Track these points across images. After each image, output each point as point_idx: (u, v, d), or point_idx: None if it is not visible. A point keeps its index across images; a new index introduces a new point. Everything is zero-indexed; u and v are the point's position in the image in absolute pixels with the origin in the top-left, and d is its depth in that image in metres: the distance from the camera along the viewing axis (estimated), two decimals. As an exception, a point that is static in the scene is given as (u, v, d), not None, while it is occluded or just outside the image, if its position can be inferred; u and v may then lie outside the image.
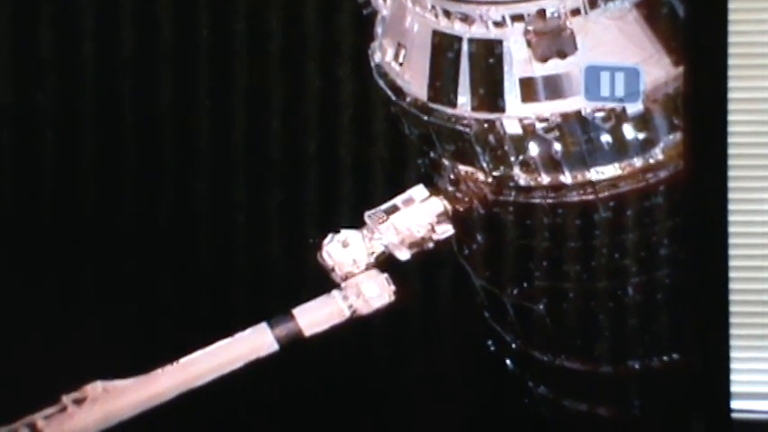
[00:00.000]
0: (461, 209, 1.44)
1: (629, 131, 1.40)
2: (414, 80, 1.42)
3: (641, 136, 1.40)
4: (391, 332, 1.44)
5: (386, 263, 1.44)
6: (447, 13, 1.39)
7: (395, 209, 1.43)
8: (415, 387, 1.45)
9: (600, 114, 1.39)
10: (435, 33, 1.40)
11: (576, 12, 1.37)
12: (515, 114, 1.40)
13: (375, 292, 1.43)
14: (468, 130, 1.41)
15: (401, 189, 1.44)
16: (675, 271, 1.42)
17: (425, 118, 1.42)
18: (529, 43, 1.38)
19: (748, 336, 1.52)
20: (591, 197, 1.41)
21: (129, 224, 1.46)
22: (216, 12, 1.45)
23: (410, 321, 1.44)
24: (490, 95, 1.40)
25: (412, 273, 1.44)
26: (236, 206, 1.45)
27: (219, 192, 1.45)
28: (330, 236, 1.44)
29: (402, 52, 1.43)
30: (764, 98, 1.52)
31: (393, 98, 1.43)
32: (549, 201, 1.42)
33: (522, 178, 1.42)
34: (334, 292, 1.44)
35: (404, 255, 1.43)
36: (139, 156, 1.46)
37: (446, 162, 1.43)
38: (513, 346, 1.45)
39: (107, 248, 1.46)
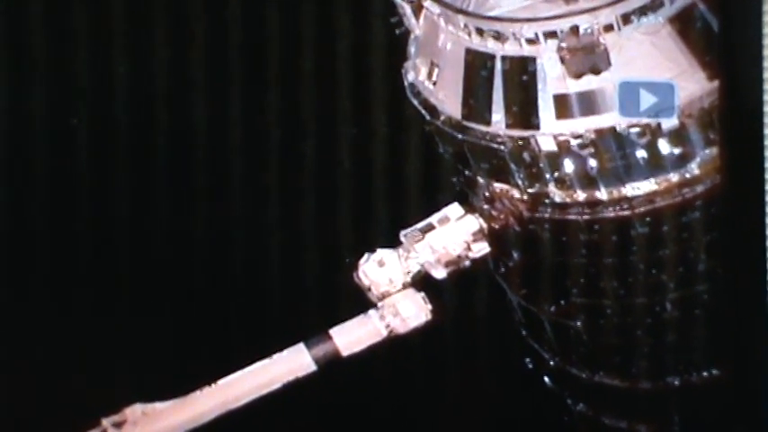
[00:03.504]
0: (497, 226, 1.44)
1: (664, 146, 1.39)
2: (447, 99, 1.42)
3: (677, 151, 1.40)
4: (429, 351, 1.44)
5: (422, 282, 1.44)
6: (480, 32, 1.39)
7: (430, 227, 1.43)
8: (452, 405, 1.45)
9: (635, 130, 1.38)
10: (468, 51, 1.40)
11: (609, 28, 1.37)
12: (550, 131, 1.40)
13: (412, 312, 1.43)
14: (502, 147, 1.41)
15: (436, 208, 1.44)
16: (714, 286, 1.42)
17: (460, 136, 1.42)
18: (562, 60, 1.38)
19: (789, 350, 1.51)
20: (627, 213, 1.41)
21: (165, 245, 1.47)
22: (247, 32, 1.46)
23: (447, 340, 1.44)
24: (524, 113, 1.40)
25: (449, 291, 1.44)
26: (271, 227, 1.45)
27: (255, 212, 1.46)
28: (366, 255, 1.44)
29: (435, 71, 1.43)
30: (800, 110, 1.52)
31: (427, 117, 1.43)
32: (585, 217, 1.42)
33: (557, 195, 1.41)
34: (371, 312, 1.44)
35: (440, 273, 1.43)
36: (173, 176, 1.47)
37: (481, 180, 1.43)
38: (551, 363, 1.45)
39: (143, 269, 1.47)
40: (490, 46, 1.39)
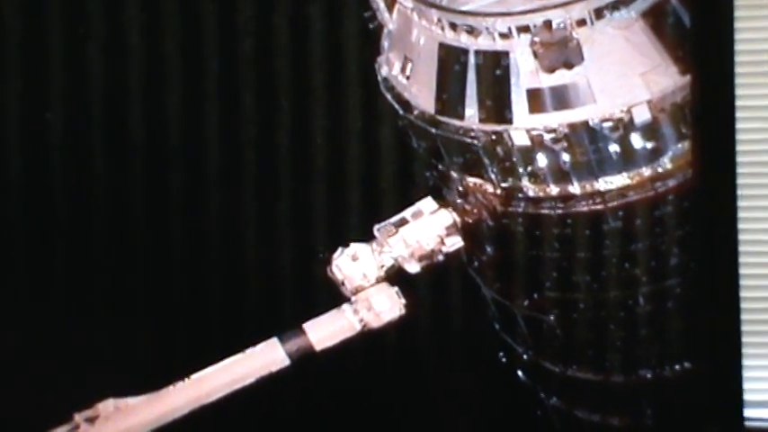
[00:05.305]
0: (470, 221, 1.44)
1: (637, 141, 1.40)
2: (421, 93, 1.42)
3: (649, 145, 1.40)
4: (402, 345, 1.44)
5: (396, 276, 1.44)
6: (453, 26, 1.39)
7: (404, 222, 1.43)
8: (426, 399, 1.45)
9: (607, 124, 1.39)
10: (442, 46, 1.40)
11: (582, 22, 1.37)
12: (523, 126, 1.40)
13: (386, 306, 1.43)
14: (476, 142, 1.41)
15: (410, 202, 1.44)
16: (686, 279, 1.42)
17: (433, 131, 1.42)
18: (535, 54, 1.38)
19: (761, 344, 1.51)
20: (600, 207, 1.41)
21: (139, 240, 1.46)
22: (223, 28, 1.45)
23: (421, 334, 1.44)
24: (498, 107, 1.40)
25: (422, 285, 1.44)
26: (245, 221, 1.45)
27: (229, 207, 1.45)
28: (340, 250, 1.44)
29: (409, 65, 1.43)
30: (772, 105, 1.52)
31: (401, 111, 1.43)
32: (558, 211, 1.42)
33: (530, 189, 1.42)
34: (345, 306, 1.44)
35: (414, 267, 1.43)
36: (149, 171, 1.47)
37: (454, 174, 1.43)
38: (525, 357, 1.45)
39: (117, 265, 1.47)
40: (463, 40, 1.40)
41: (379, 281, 1.43)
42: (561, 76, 1.39)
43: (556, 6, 1.36)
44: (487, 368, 1.45)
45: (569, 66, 1.38)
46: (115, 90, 1.47)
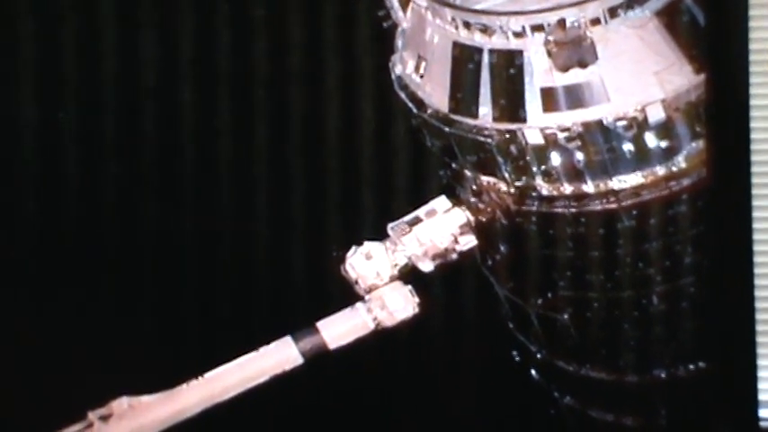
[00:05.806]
0: (484, 219, 1.44)
1: (651, 140, 1.40)
2: (435, 92, 1.43)
3: (663, 144, 1.40)
4: (416, 343, 1.44)
5: (409, 275, 1.44)
6: (467, 25, 1.39)
7: (417, 220, 1.43)
8: (439, 398, 1.45)
9: (622, 123, 1.39)
10: (455, 45, 1.40)
11: (596, 21, 1.37)
12: (537, 124, 1.40)
13: (399, 305, 1.43)
14: (489, 140, 1.41)
15: (424, 201, 1.44)
16: (700, 279, 1.42)
17: (447, 129, 1.42)
18: (549, 53, 1.38)
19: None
20: (614, 206, 1.41)
21: (153, 239, 1.47)
22: (236, 26, 1.46)
23: (434, 333, 1.44)
24: (511, 106, 1.40)
25: (436, 284, 1.44)
26: (259, 220, 1.45)
27: (243, 206, 1.46)
28: (353, 248, 1.44)
29: (423, 64, 1.43)
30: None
31: (414, 110, 1.43)
32: (572, 210, 1.42)
33: (544, 188, 1.42)
34: (358, 305, 1.44)
35: (427, 266, 1.43)
36: (161, 171, 1.47)
37: (468, 173, 1.43)
38: (538, 356, 1.45)
39: (131, 264, 1.47)
40: (477, 39, 1.40)
41: (392, 279, 1.43)
42: (575, 75, 1.39)
43: (570, 5, 1.36)
44: (501, 367, 1.44)
45: (583, 64, 1.38)
46: (127, 88, 1.47)
